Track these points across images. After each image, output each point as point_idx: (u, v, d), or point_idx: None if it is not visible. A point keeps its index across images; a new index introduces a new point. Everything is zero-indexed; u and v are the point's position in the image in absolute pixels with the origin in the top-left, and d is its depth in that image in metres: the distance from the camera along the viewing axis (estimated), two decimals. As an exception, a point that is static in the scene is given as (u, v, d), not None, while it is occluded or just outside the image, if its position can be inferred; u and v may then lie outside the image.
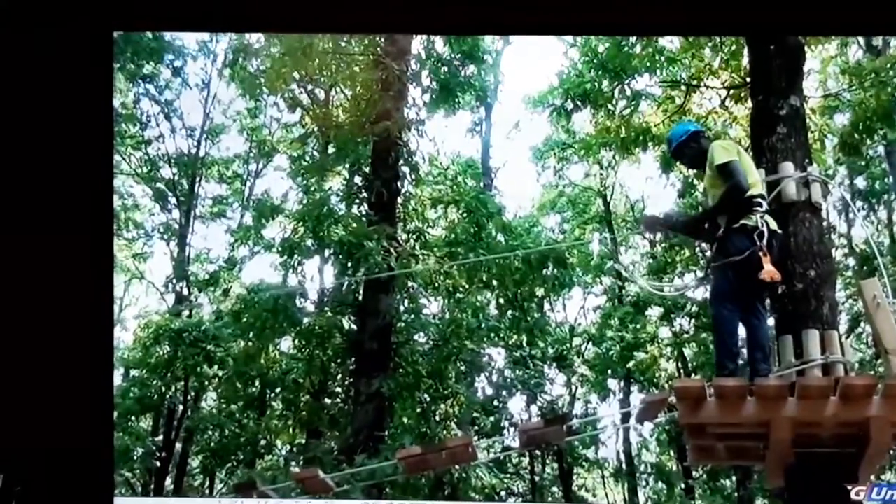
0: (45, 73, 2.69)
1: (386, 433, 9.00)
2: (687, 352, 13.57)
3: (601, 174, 14.96)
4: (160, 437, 12.33)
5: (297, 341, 10.85)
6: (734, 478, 12.19)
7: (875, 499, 3.96)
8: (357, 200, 10.27)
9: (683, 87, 9.69)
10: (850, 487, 3.94)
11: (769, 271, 4.31)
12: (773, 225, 4.50)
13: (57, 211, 2.80)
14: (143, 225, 13.86)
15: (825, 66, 10.84)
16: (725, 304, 4.54)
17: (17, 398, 2.85)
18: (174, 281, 12.74)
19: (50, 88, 2.71)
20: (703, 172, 4.90)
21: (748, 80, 6.71)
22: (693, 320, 12.96)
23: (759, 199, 4.54)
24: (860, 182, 13.09)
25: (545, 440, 5.72)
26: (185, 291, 12.77)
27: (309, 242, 9.70)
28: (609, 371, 13.50)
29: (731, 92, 9.21)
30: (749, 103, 6.57)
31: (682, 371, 13.49)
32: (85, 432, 2.92)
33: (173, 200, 13.17)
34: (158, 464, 11.79)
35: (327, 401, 11.06)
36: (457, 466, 7.95)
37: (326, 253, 10.30)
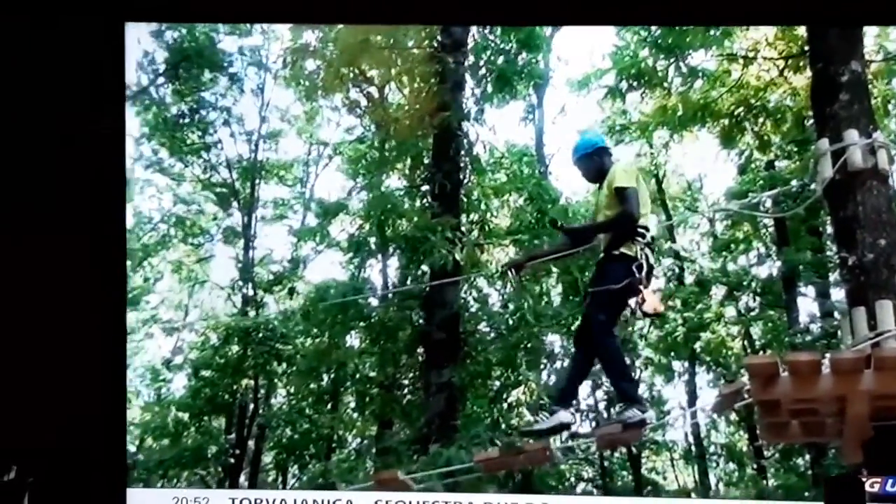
0: (58, 65, 2.81)
1: (458, 422, 9.11)
2: (754, 330, 13.33)
3: (652, 154, 14.75)
4: (233, 436, 12.62)
5: (367, 335, 11.03)
6: (807, 456, 11.94)
7: (890, 490, 3.90)
8: (419, 193, 10.39)
9: (741, 60, 9.54)
10: (864, 479, 3.90)
11: (653, 304, 4.47)
12: (651, 259, 4.66)
13: (68, 206, 2.90)
14: (208, 230, 14.17)
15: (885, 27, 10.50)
16: (611, 331, 4.76)
17: (30, 394, 2.99)
18: (240, 283, 13.02)
19: (64, 79, 2.82)
20: (599, 188, 5.06)
21: (806, 48, 6.61)
22: (759, 298, 12.73)
23: (642, 230, 4.67)
24: (928, 145, 12.63)
25: (623, 442, 5.84)
26: (251, 293, 13.04)
27: (373, 238, 9.86)
28: (672, 353, 13.34)
29: (789, 62, 9.02)
30: (808, 72, 6.47)
31: (748, 350, 13.25)
32: (97, 426, 3.05)
33: (235, 204, 13.46)
34: (232, 461, 12.09)
35: (398, 392, 11.21)
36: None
37: (391, 247, 10.43)
